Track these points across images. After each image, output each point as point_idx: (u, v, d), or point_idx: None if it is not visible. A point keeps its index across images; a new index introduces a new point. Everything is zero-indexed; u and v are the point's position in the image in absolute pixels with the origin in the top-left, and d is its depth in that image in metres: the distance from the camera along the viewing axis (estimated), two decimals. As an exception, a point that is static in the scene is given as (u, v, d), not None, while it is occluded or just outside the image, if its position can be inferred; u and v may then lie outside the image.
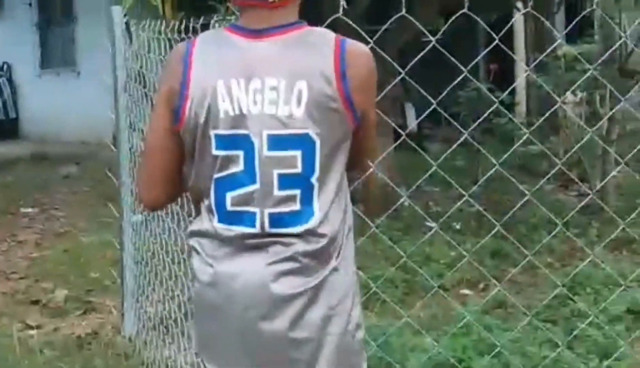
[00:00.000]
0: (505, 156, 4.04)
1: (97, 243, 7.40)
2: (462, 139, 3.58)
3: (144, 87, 4.90)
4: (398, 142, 4.61)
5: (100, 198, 8.38)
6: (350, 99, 2.12)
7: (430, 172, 3.64)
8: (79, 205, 9.52)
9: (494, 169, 3.76)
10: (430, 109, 3.50)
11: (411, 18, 3.25)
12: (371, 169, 2.86)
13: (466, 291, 5.96)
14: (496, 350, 4.25)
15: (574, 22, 5.03)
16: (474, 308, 5.02)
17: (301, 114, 2.11)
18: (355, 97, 2.11)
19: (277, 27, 2.14)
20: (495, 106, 4.11)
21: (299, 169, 2.14)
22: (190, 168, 2.27)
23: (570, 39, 8.54)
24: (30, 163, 12.91)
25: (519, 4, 8.82)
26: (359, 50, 2.18)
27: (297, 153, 2.14)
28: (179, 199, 4.13)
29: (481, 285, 5.90)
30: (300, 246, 2.17)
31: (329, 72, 2.08)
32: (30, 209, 9.69)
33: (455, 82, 3.74)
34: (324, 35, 2.16)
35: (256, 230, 2.15)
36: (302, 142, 2.14)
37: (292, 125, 2.13)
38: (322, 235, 2.17)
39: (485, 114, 4.67)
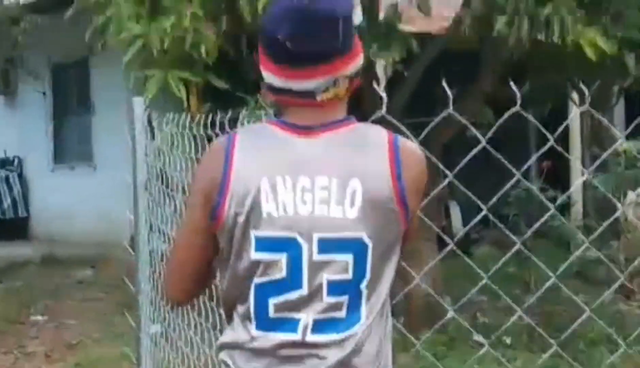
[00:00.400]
0: (562, 268, 4.02)
1: (111, 355, 7.22)
2: (514, 249, 3.63)
3: (167, 186, 4.83)
4: (444, 251, 4.70)
5: (116, 305, 8.26)
6: (405, 201, 2.14)
7: (480, 285, 3.68)
8: (93, 313, 9.35)
9: (550, 282, 3.70)
10: (480, 215, 3.50)
11: (456, 114, 3.24)
12: (416, 281, 2.93)
13: (518, 415, 5.45)
14: None
15: (636, 121, 5.00)
16: None
17: (355, 216, 2.11)
18: (410, 200, 2.15)
19: (326, 124, 2.15)
20: (551, 212, 4.10)
21: (349, 275, 2.14)
22: (224, 270, 2.26)
23: (631, 134, 8.45)
24: (40, 266, 12.70)
25: (575, 96, 8.68)
26: (413, 150, 2.21)
27: (349, 258, 2.13)
28: (203, 310, 3.98)
29: (536, 408, 5.46)
30: (335, 356, 2.15)
31: (384, 172, 2.10)
32: (40, 318, 9.48)
33: (508, 186, 3.73)
34: (377, 133, 2.17)
35: (297, 336, 2.13)
36: (355, 246, 2.14)
37: (345, 227, 2.12)
38: (360, 353, 2.17)
39: (541, 220, 4.64)
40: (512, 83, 3.11)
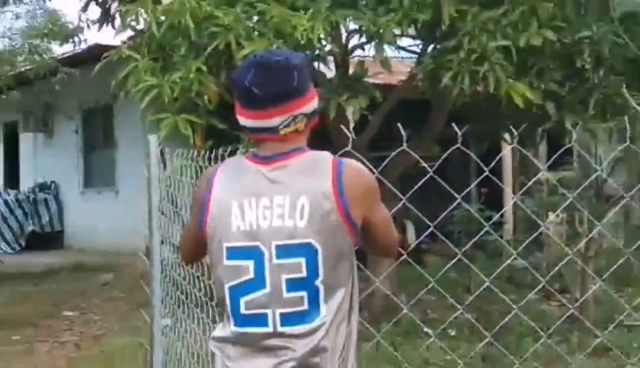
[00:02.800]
0: (495, 273, 4.07)
1: (129, 345, 7.20)
2: (456, 258, 3.63)
3: (175, 207, 4.82)
4: (400, 260, 4.77)
5: (133, 304, 8.25)
6: (348, 213, 2.12)
7: (428, 287, 3.64)
8: (114, 310, 9.42)
9: (485, 285, 3.73)
10: (428, 231, 3.49)
11: (409, 150, 3.32)
12: (377, 283, 2.89)
13: (461, 395, 5.47)
14: None
15: (555, 155, 5.01)
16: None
17: (304, 225, 2.12)
18: (354, 212, 2.13)
19: (285, 153, 2.18)
20: (486, 229, 4.11)
21: (304, 273, 2.14)
22: (213, 276, 2.33)
23: (552, 166, 8.40)
24: (71, 271, 12.77)
25: (507, 136, 8.71)
26: (357, 171, 2.20)
27: (302, 260, 2.14)
28: (204, 307, 4.00)
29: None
30: (308, 349, 2.13)
31: (328, 191, 2.10)
32: (71, 313, 9.55)
33: (451, 207, 3.74)
34: (324, 159, 2.18)
35: (269, 329, 2.14)
36: (306, 250, 2.14)
37: (297, 235, 2.13)
38: (325, 347, 2.15)
39: (478, 235, 4.79)
40: (454, 126, 3.13)
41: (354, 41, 7.70)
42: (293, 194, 2.13)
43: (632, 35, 6.01)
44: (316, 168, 2.18)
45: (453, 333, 6.62)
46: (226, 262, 2.21)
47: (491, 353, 5.77)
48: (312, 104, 2.23)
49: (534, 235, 6.83)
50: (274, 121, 2.19)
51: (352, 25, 7.05)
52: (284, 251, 2.15)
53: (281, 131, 2.17)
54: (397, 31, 6.81)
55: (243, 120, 2.26)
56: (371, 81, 7.51)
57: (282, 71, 2.19)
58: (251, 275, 2.18)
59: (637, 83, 6.45)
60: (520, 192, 9.23)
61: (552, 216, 8.24)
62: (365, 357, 5.12)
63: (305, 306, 2.16)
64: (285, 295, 2.16)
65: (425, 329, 5.93)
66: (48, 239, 14.78)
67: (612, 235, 8.01)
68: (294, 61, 2.26)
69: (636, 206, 6.80)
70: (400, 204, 3.73)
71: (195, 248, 2.51)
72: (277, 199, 2.14)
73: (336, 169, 2.16)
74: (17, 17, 10.34)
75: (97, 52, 8.68)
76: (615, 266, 4.40)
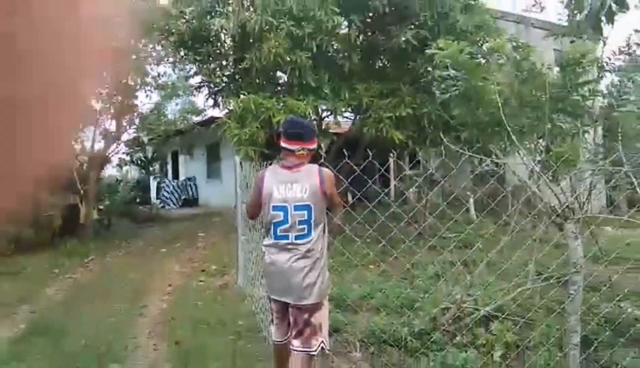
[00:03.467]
0: (386, 214, 4.27)
1: (228, 248, 7.56)
2: (368, 209, 3.46)
3: (246, 187, 4.83)
4: (344, 210, 4.52)
5: (229, 230, 8.28)
6: (325, 191, 2.39)
7: (359, 220, 3.48)
8: (220, 233, 9.97)
9: (380, 220, 3.61)
10: (357, 197, 3.51)
11: (349, 162, 3.15)
12: (338, 220, 2.78)
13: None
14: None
15: (412, 163, 6.57)
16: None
17: (306, 196, 2.35)
18: (327, 190, 2.40)
19: (298, 165, 2.41)
20: (381, 195, 4.56)
21: (306, 217, 2.33)
22: (264, 218, 2.49)
23: (411, 168, 9.43)
24: (203, 216, 13.82)
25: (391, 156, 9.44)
26: (327, 173, 2.43)
27: (305, 211, 2.35)
28: (260, 231, 3.53)
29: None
30: (305, 250, 2.39)
31: (317, 182, 2.36)
32: (202, 234, 10.46)
33: (367, 186, 3.48)
34: (315, 168, 2.43)
35: (289, 241, 2.38)
36: (307, 207, 2.35)
37: (303, 200, 2.34)
38: (314, 249, 2.38)
39: (378, 198, 5.31)
40: (369, 151, 3.24)
41: (325, 114, 8.87)
42: (302, 184, 2.32)
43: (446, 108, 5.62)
44: (312, 172, 2.37)
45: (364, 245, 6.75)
46: (272, 212, 2.35)
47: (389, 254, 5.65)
48: (314, 145, 2.46)
49: (403, 197, 8.32)
50: (295, 147, 2.38)
51: (324, 106, 8.19)
52: (297, 207, 2.31)
53: (297, 153, 2.37)
54: (343, 109, 7.97)
55: (285, 145, 2.43)
56: (331, 131, 8.37)
57: (304, 127, 2.46)
58: (282, 218, 2.33)
59: (449, 132, 6.69)
60: (397, 178, 9.77)
61: (411, 189, 9.14)
62: (333, 251, 4.76)
63: (306, 232, 2.31)
64: (297, 227, 2.32)
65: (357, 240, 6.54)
66: (192, 202, 17.53)
67: (436, 199, 8.89)
68: (308, 123, 2.54)
69: (448, 186, 6.55)
70: (345, 186, 3.91)
71: (254, 210, 2.53)
72: (295, 186, 2.34)
73: (320, 172, 2.39)
74: (177, 104, 12.50)
75: (212, 120, 10.57)
76: (438, 211, 4.56)
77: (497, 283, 4.51)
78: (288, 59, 7.15)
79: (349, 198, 7.80)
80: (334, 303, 4.40)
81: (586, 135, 4.48)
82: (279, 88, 8.44)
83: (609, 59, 3.90)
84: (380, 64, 8.36)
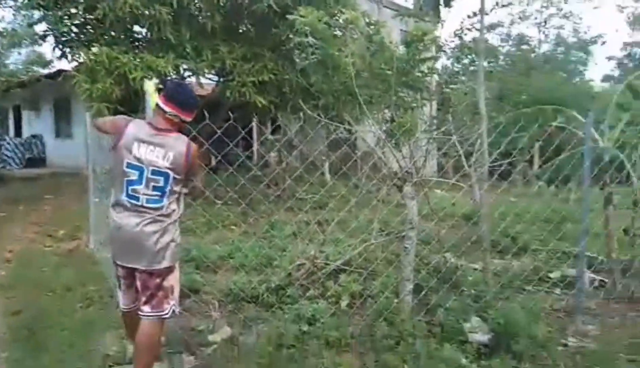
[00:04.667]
0: (248, 175, 4.54)
1: (79, 210, 7.25)
2: (230, 171, 3.66)
3: (99, 148, 4.61)
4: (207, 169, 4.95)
5: (81, 191, 7.79)
6: (189, 167, 2.36)
7: (219, 183, 3.79)
8: (72, 194, 9.34)
9: (242, 182, 3.65)
10: (218, 159, 4.13)
11: (211, 124, 3.15)
12: (199, 184, 2.67)
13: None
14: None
15: (274, 127, 6.61)
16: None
17: (167, 165, 2.30)
18: (192, 167, 2.38)
19: (166, 130, 2.33)
20: (242, 159, 4.96)
21: (161, 184, 2.30)
22: (114, 167, 2.32)
23: (272, 132, 9.59)
24: (50, 177, 13.19)
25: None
26: (194, 148, 2.41)
27: (162, 179, 2.31)
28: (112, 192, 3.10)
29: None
30: (157, 214, 2.33)
31: (183, 152, 2.32)
32: (49, 196, 9.90)
33: (229, 148, 3.67)
34: (184, 140, 2.40)
35: (140, 202, 2.31)
36: (165, 174, 2.31)
37: (163, 167, 2.29)
38: (167, 214, 2.35)
39: (240, 160, 5.83)
40: (231, 114, 3.29)
41: (187, 74, 8.30)
42: (167, 151, 2.27)
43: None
44: (180, 142, 2.33)
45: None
46: (126, 169, 2.27)
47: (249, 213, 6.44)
48: (189, 118, 2.40)
49: (264, 160, 8.75)
50: (170, 112, 2.33)
51: (185, 66, 7.91)
52: (155, 172, 2.27)
53: (169, 115, 2.31)
54: (206, 70, 7.80)
55: (161, 104, 2.33)
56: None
57: (188, 96, 2.39)
58: (136, 178, 2.27)
59: (308, 99, 6.78)
60: (259, 142, 10.04)
61: (271, 153, 9.17)
62: (194, 213, 5.29)
63: (159, 198, 2.28)
64: (151, 191, 2.28)
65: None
66: (39, 161, 16.43)
67: (295, 163, 8.63)
68: (193, 95, 2.41)
69: (306, 150, 7.47)
70: (206, 148, 3.53)
71: (104, 132, 2.44)
72: (159, 150, 2.28)
73: (189, 146, 2.34)
74: (19, 53, 11.95)
75: (60, 73, 10.01)
76: (295, 174, 4.66)
77: (346, 240, 4.79)
78: (147, 13, 6.81)
79: (212, 160, 7.44)
80: (194, 265, 4.40)
81: (424, 108, 4.82)
82: (137, 43, 8.00)
83: (445, 41, 4.25)
84: (244, 28, 8.18)
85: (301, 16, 3.41)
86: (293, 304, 3.60)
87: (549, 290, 4.18)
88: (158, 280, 2.33)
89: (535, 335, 3.09)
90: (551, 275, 4.44)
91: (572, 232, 5.04)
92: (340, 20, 4.22)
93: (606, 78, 27.16)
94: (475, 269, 4.33)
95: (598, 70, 42.98)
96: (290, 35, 6.34)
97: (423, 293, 3.58)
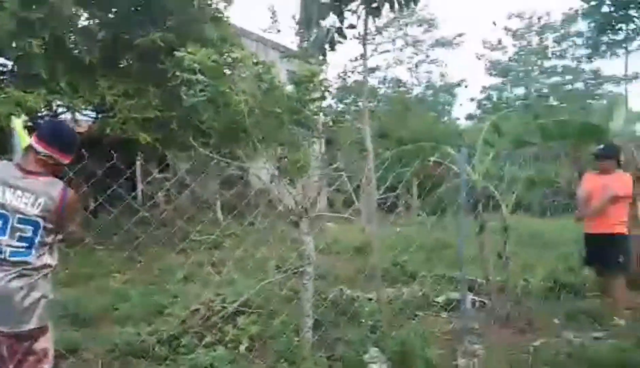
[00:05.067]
0: (135, 218, 4.82)
1: None
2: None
3: None
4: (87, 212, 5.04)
5: None
6: (63, 216, 2.18)
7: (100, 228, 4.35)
8: None
9: (135, 218, 4.07)
10: (96, 204, 4.14)
11: (90, 165, 3.02)
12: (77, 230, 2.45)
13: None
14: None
15: (162, 166, 6.52)
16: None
17: (37, 213, 2.14)
18: (66, 217, 2.20)
19: (37, 172, 2.16)
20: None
21: (29, 235, 2.14)
22: None
23: (160, 171, 9.28)
24: None
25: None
26: (72, 196, 2.22)
27: (30, 228, 2.15)
28: None
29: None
30: (23, 268, 2.13)
31: (56, 202, 2.15)
32: None
33: (112, 189, 3.50)
34: (59, 185, 2.22)
35: (2, 256, 2.13)
36: (35, 223, 2.14)
37: (32, 216, 2.13)
38: (36, 268, 2.18)
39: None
40: (113, 152, 3.07)
41: (61, 110, 7.78)
42: (37, 196, 2.13)
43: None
44: (54, 188, 2.17)
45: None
46: None
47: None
48: (67, 161, 2.25)
49: (152, 200, 8.19)
50: (43, 151, 2.18)
51: (59, 102, 7.38)
52: (22, 221, 2.11)
53: (42, 156, 2.15)
54: (82, 106, 7.40)
55: (34, 143, 2.20)
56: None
57: (66, 136, 2.25)
58: (1, 226, 2.10)
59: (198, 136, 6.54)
60: (145, 182, 9.44)
61: (159, 193, 8.83)
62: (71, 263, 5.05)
63: (25, 250, 2.12)
64: (15, 242, 2.11)
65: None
66: None
67: (185, 202, 8.67)
68: (73, 135, 2.28)
69: (198, 189, 7.48)
70: (85, 190, 3.35)
71: None
72: (27, 195, 2.12)
73: (64, 193, 2.16)
74: None
75: None
76: (187, 216, 5.65)
77: (243, 280, 4.65)
78: (14, 44, 6.39)
79: (90, 203, 6.98)
80: (70, 320, 4.05)
81: (314, 145, 4.60)
82: (1, 77, 7.36)
83: (330, 82, 4.45)
84: (126, 63, 7.89)
85: (189, 53, 3.36)
86: (188, 354, 3.40)
87: (436, 314, 4.39)
88: (27, 343, 2.08)
89: (430, 359, 3.24)
90: (438, 299, 4.68)
91: (453, 258, 5.21)
92: (230, 59, 4.29)
93: (469, 117, 30.56)
94: (370, 299, 4.39)
95: (462, 110, 49.11)
96: (177, 73, 6.39)
97: (323, 328, 3.56)
